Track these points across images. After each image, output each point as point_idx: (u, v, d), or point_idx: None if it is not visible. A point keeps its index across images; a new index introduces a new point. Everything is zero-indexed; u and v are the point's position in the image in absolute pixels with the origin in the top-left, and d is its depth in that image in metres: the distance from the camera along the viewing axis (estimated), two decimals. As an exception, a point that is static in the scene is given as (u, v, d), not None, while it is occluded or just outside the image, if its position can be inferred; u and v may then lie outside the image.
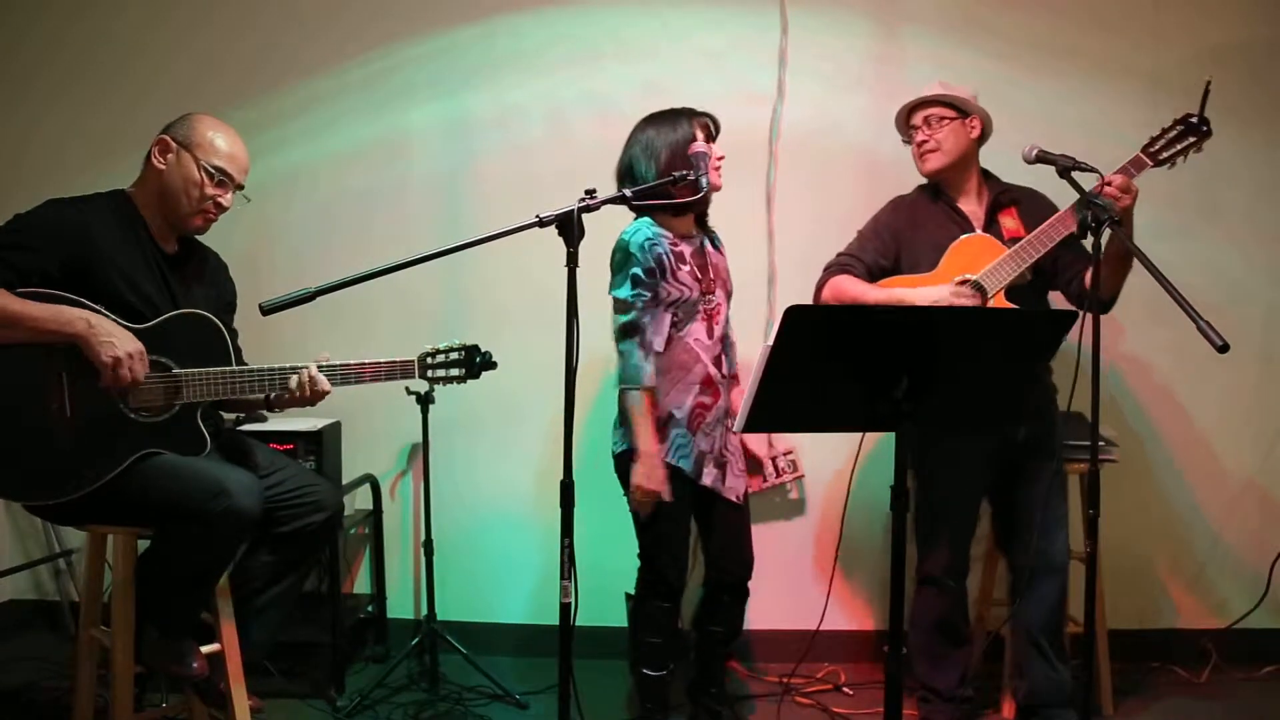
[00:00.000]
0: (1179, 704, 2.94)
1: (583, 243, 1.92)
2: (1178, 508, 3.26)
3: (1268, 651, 3.20)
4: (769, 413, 1.81)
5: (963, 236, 2.61)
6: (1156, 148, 2.49)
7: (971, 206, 2.68)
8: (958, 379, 1.85)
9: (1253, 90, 3.14)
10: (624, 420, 2.47)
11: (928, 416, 1.85)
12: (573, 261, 1.90)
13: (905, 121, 2.74)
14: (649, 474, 2.41)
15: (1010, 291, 2.55)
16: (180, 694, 2.51)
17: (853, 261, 2.71)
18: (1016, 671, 2.73)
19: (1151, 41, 3.17)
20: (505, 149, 3.28)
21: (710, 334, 2.52)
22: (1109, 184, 2.40)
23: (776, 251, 3.24)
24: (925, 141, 2.66)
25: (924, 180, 2.75)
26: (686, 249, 2.50)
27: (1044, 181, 2.65)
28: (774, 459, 3.17)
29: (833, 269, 2.74)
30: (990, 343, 1.84)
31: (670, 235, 2.49)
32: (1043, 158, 2.47)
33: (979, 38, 3.17)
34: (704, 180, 2.35)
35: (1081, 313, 2.25)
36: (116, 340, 2.08)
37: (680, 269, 2.46)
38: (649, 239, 2.44)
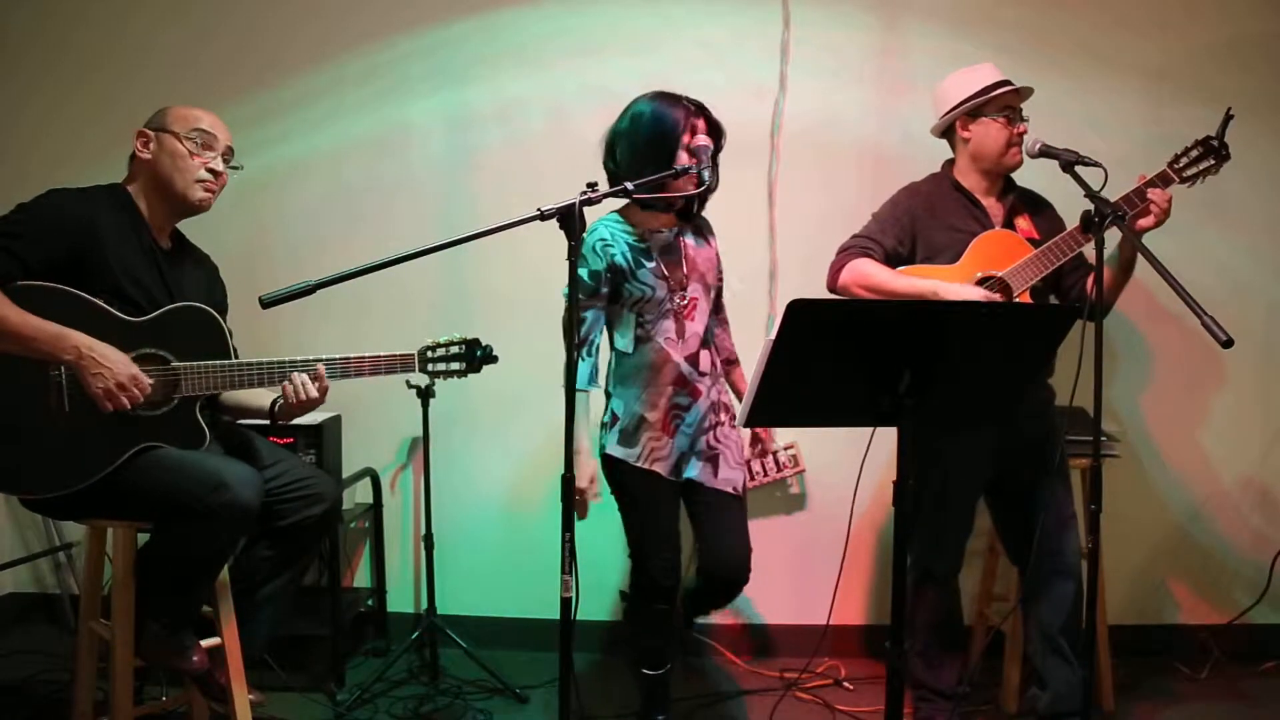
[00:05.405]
0: (1180, 700, 2.93)
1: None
2: (1179, 503, 3.26)
3: (1269, 647, 3.20)
4: (771, 407, 1.81)
5: (988, 231, 2.55)
6: (1180, 165, 2.46)
7: (990, 202, 2.62)
8: (961, 374, 1.85)
9: (1255, 84, 3.12)
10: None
11: (931, 411, 1.85)
12: (574, 255, 1.89)
13: (999, 98, 2.56)
14: (580, 473, 2.29)
15: (1030, 292, 2.51)
16: (180, 687, 2.51)
17: (872, 245, 2.58)
18: (1036, 681, 2.62)
19: (1157, 35, 3.16)
20: (505, 142, 3.27)
21: (682, 332, 2.42)
22: (1153, 199, 2.41)
23: (778, 246, 3.22)
24: (1025, 134, 2.55)
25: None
26: (654, 246, 2.42)
27: (1042, 177, 2.65)
28: (775, 454, 3.15)
29: (852, 251, 2.60)
30: (995, 337, 1.84)
31: (636, 232, 2.42)
32: (1046, 152, 2.44)
33: (981, 30, 3.15)
34: (706, 174, 2.29)
35: (1085, 308, 2.27)
36: (108, 370, 2.06)
37: (641, 268, 2.39)
38: (603, 240, 2.39)
